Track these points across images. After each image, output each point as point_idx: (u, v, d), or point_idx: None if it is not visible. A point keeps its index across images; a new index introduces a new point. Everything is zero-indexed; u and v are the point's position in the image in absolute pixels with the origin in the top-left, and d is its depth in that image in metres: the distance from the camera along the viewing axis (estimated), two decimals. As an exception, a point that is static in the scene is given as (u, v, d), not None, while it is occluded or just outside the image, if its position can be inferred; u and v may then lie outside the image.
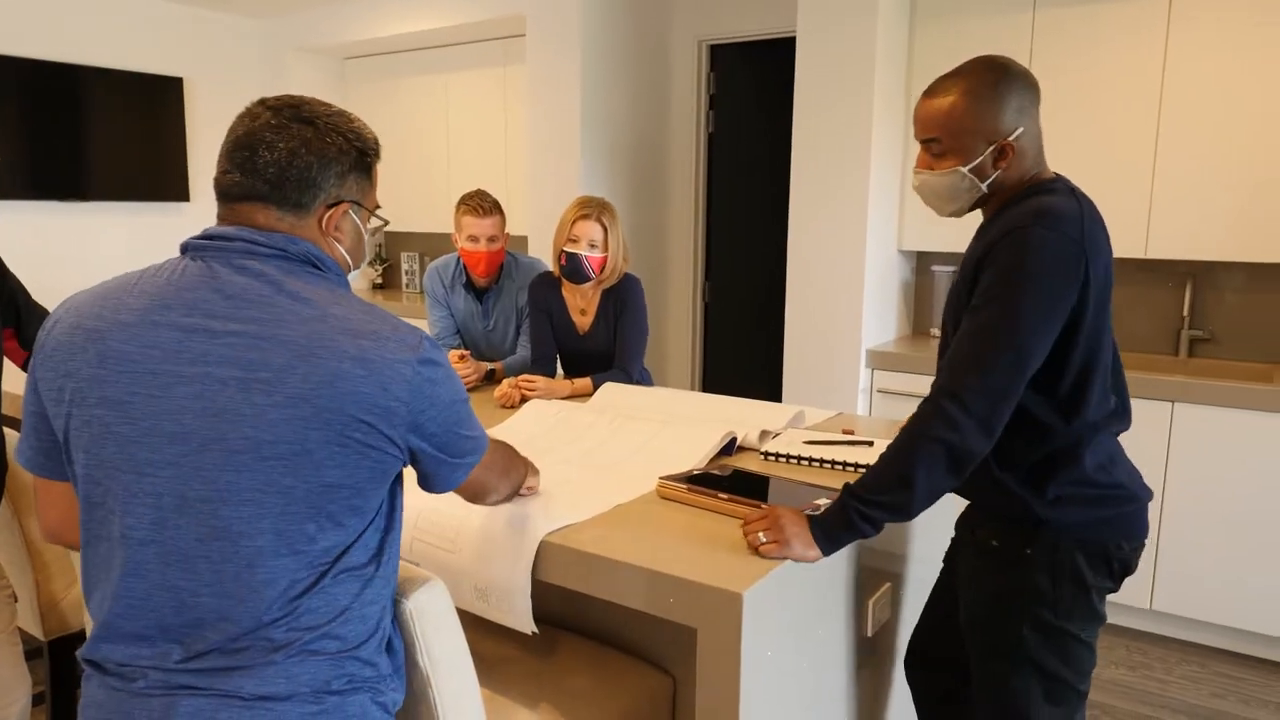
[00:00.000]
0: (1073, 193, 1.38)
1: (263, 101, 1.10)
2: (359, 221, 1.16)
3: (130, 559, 1.01)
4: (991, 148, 1.39)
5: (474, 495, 1.28)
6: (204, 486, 0.98)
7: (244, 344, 0.99)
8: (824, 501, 1.44)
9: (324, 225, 1.11)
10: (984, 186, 1.42)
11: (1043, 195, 1.37)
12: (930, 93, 1.45)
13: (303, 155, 1.07)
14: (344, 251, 1.15)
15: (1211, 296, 3.15)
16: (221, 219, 1.10)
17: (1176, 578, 2.82)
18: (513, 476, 1.38)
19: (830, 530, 1.36)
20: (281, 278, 1.04)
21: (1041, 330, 1.30)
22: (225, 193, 1.08)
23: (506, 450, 1.38)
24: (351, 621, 1.05)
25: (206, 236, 1.07)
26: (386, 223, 1.25)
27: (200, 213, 4.92)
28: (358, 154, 1.12)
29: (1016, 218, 1.34)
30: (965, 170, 1.41)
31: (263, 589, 1.00)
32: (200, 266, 1.05)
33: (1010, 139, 1.39)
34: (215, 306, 1.01)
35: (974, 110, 1.39)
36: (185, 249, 1.08)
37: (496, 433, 2.07)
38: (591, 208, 2.45)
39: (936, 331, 3.66)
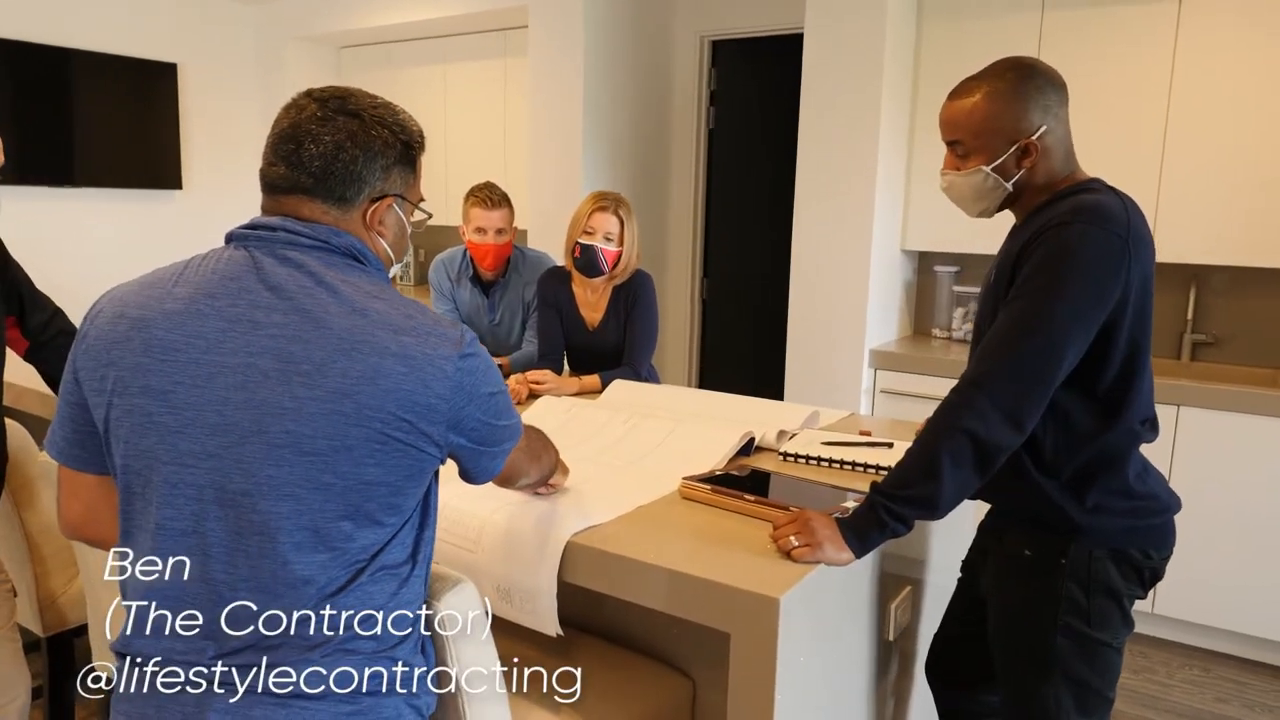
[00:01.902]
0: (1114, 191, 1.37)
1: (309, 93, 1.08)
2: (403, 215, 1.14)
3: (168, 550, 1.00)
4: (1014, 147, 1.38)
5: (505, 479, 1.27)
6: (244, 480, 0.97)
7: (287, 336, 0.98)
8: (851, 504, 1.42)
9: (368, 220, 1.09)
10: (1009, 185, 1.41)
11: (1083, 194, 1.36)
12: (954, 94, 1.44)
13: (348, 149, 1.05)
14: (386, 246, 1.13)
15: (1214, 300, 3.16)
16: (266, 210, 1.08)
17: (1180, 582, 2.80)
18: (544, 461, 1.38)
19: (861, 531, 1.33)
20: (323, 270, 1.02)
21: (1078, 323, 1.28)
22: (271, 185, 1.07)
23: (539, 434, 1.37)
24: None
25: (250, 226, 1.06)
26: (430, 215, 1.22)
27: (192, 201, 4.84)
28: (403, 147, 1.10)
29: (1058, 215, 1.32)
30: (989, 170, 1.40)
31: (300, 585, 0.99)
32: (244, 255, 1.03)
33: (1033, 138, 1.38)
34: (259, 297, 1.00)
35: (996, 110, 1.38)
36: (230, 238, 1.07)
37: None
38: (609, 200, 2.42)
39: (939, 332, 3.66)
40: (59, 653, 1.97)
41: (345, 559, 1.00)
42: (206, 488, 0.98)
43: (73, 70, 4.29)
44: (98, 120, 4.43)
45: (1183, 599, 2.84)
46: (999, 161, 1.39)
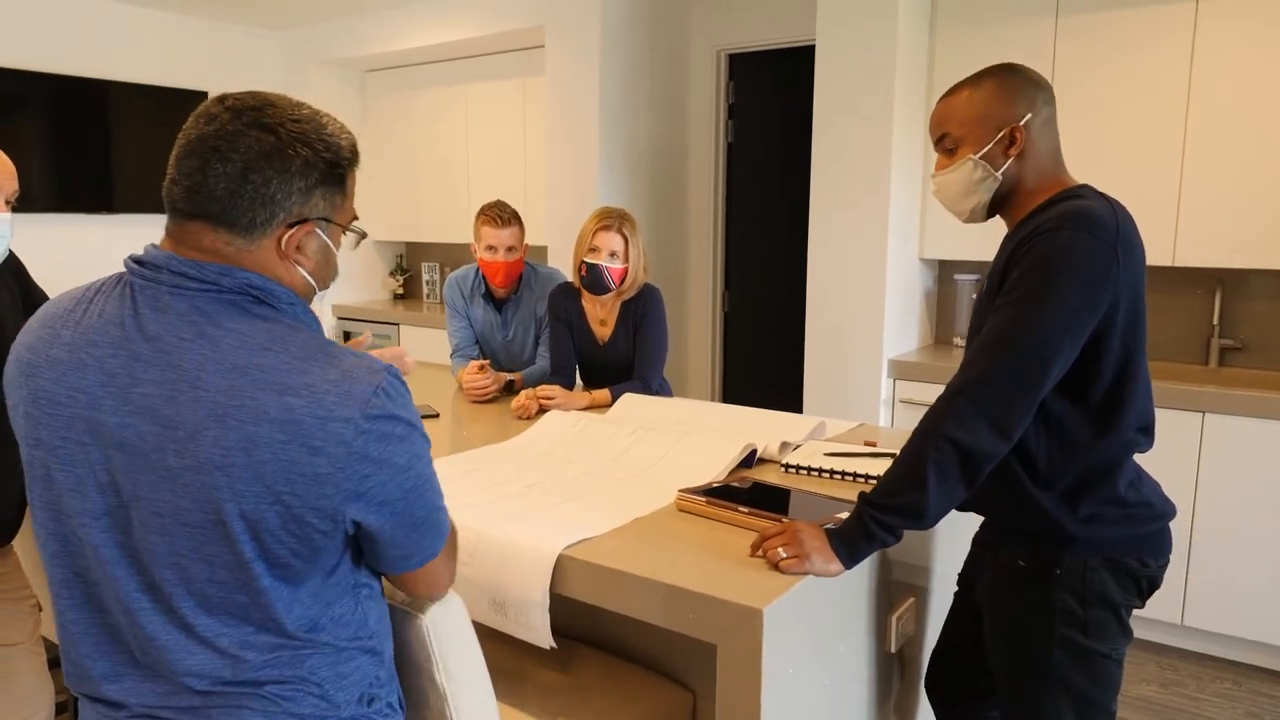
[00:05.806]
0: (1104, 197, 1.36)
1: (222, 100, 0.96)
2: (328, 240, 1.02)
3: (90, 601, 0.98)
4: (1000, 134, 1.39)
5: (428, 587, 1.11)
6: (133, 543, 0.93)
7: (162, 396, 0.90)
8: (845, 515, 1.42)
9: (283, 247, 0.97)
10: (997, 175, 1.40)
11: (1072, 200, 1.35)
12: (941, 97, 1.47)
13: (260, 169, 0.93)
14: (306, 275, 1.01)
15: (1242, 305, 3.09)
16: (168, 233, 0.97)
17: (1208, 592, 2.76)
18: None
19: (849, 541, 1.33)
20: (209, 317, 0.92)
21: (1067, 330, 1.27)
22: (173, 206, 0.96)
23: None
24: (326, 685, 1.00)
25: (138, 261, 0.96)
26: (364, 235, 1.09)
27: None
28: (327, 166, 0.97)
29: (1047, 221, 1.31)
30: (976, 158, 1.40)
31: (205, 649, 0.95)
32: (126, 298, 0.95)
33: (1019, 124, 1.38)
34: (138, 348, 0.92)
35: (980, 99, 1.41)
36: (126, 268, 0.99)
37: (515, 444, 2.06)
38: (612, 218, 2.44)
39: (960, 340, 3.62)
40: (83, 666, 2.02)
41: (260, 629, 0.95)
42: (101, 547, 0.94)
43: (110, 101, 4.45)
44: (135, 148, 4.58)
45: (1213, 610, 2.76)
46: (986, 149, 1.40)
